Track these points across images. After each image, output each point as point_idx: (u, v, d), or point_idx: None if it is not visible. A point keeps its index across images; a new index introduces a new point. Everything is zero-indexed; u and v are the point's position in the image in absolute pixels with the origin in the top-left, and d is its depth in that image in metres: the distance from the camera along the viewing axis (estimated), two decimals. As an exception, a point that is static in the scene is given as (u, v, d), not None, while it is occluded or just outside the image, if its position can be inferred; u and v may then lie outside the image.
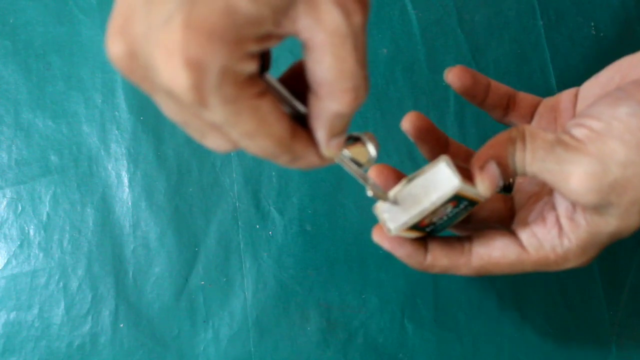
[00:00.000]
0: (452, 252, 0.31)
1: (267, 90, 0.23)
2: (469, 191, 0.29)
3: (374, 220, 0.31)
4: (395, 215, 0.29)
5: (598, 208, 0.27)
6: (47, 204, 0.46)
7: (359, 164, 0.27)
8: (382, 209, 0.30)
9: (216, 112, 0.21)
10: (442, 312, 0.45)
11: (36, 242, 0.46)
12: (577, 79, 0.49)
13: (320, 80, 0.23)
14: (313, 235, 0.46)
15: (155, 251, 0.46)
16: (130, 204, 0.47)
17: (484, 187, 0.29)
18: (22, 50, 0.49)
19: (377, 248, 0.46)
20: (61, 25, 0.49)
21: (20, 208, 0.46)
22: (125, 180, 0.47)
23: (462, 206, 0.30)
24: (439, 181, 0.28)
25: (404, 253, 0.31)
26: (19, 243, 0.46)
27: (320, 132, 0.24)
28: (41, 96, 0.48)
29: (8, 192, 0.47)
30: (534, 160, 0.28)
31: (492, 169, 0.29)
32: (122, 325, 0.45)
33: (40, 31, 0.49)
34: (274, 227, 0.46)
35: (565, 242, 0.29)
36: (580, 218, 0.29)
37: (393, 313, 0.45)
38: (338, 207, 0.47)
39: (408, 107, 0.49)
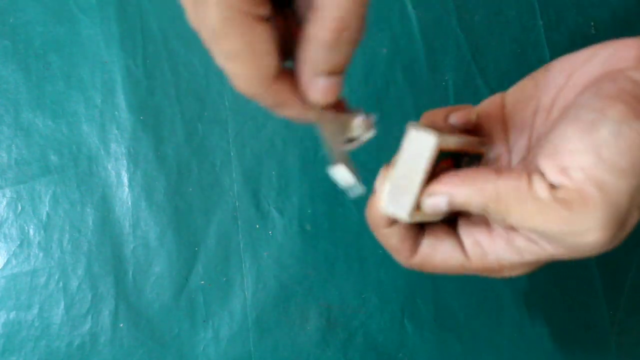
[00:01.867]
0: (405, 237, 0.28)
1: (270, 21, 0.22)
2: (456, 142, 0.26)
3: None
4: (397, 200, 0.27)
5: None
6: (47, 203, 0.46)
7: (345, 138, 0.25)
8: (384, 198, 0.27)
9: (209, 14, 0.21)
10: (442, 312, 0.45)
11: (36, 242, 0.46)
12: (577, 79, 0.49)
13: (316, 2, 0.21)
14: (313, 235, 0.46)
15: (155, 251, 0.46)
16: (130, 203, 0.47)
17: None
18: (22, 50, 0.49)
19: (377, 248, 0.46)
20: (61, 25, 0.49)
21: (20, 208, 0.46)
22: (125, 180, 0.47)
23: (466, 160, 0.28)
24: (418, 147, 0.26)
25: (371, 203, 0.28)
26: (18, 243, 0.46)
27: (304, 64, 0.23)
28: (41, 96, 0.48)
29: (8, 192, 0.47)
30: (525, 219, 0.24)
31: (440, 200, 0.26)
32: (122, 325, 0.45)
33: (40, 31, 0.49)
34: (274, 227, 0.46)
35: (514, 257, 0.26)
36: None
37: (393, 313, 0.45)
38: (338, 207, 0.47)
39: (408, 106, 0.49)
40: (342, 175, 0.26)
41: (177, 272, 0.46)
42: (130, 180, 0.47)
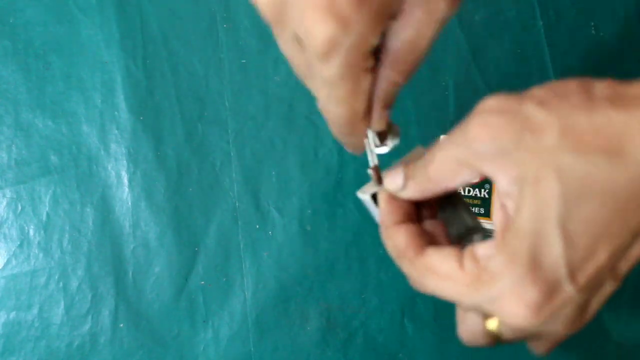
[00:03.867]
0: (415, 235, 0.27)
1: (372, 70, 0.25)
2: None
3: (373, 220, 0.31)
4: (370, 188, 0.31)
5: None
6: (47, 204, 0.46)
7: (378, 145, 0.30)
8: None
9: (330, 69, 0.23)
10: (442, 312, 0.45)
11: (36, 242, 0.46)
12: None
13: (393, 47, 0.24)
14: (313, 235, 0.46)
15: (155, 251, 0.46)
16: (130, 203, 0.47)
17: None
18: (22, 50, 0.49)
19: (377, 248, 0.46)
20: (61, 25, 0.49)
21: (20, 208, 0.46)
22: (125, 180, 0.47)
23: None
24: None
25: (387, 205, 0.29)
26: (18, 243, 0.46)
27: (378, 101, 0.26)
28: (41, 96, 0.48)
29: (8, 192, 0.47)
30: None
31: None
32: (122, 325, 0.45)
33: (40, 31, 0.49)
34: (273, 227, 0.46)
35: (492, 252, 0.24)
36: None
37: (393, 313, 0.45)
38: (338, 207, 0.47)
39: (408, 107, 0.49)
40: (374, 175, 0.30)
41: (177, 273, 0.46)
42: (130, 180, 0.47)
